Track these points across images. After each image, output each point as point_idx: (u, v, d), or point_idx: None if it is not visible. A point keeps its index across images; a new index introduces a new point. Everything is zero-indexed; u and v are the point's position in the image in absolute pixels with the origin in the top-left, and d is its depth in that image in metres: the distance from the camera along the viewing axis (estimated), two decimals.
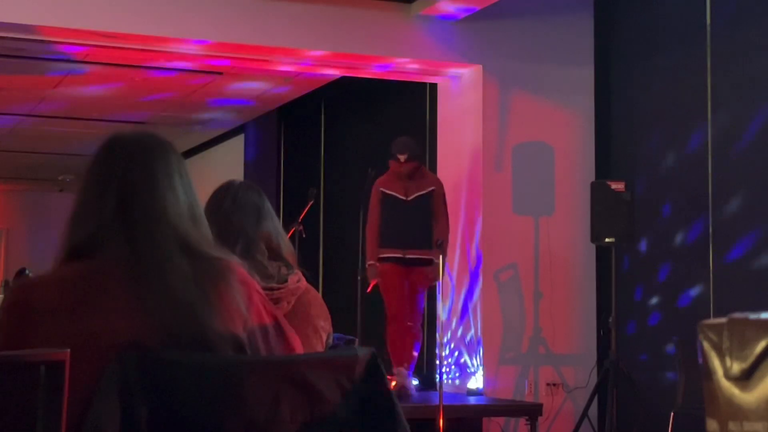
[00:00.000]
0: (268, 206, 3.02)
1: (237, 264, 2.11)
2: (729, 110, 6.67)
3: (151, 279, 1.96)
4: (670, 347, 6.47)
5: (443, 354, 7.50)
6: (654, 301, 7.23)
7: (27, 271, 10.42)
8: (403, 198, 7.17)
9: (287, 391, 1.91)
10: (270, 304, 2.15)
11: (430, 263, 7.01)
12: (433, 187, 7.22)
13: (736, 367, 1.92)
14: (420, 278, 7.14)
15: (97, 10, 6.85)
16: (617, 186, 6.81)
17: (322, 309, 3.03)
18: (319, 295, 3.08)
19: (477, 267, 7.52)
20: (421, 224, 7.15)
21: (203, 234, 2.10)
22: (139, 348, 1.87)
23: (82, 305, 1.93)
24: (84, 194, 2.07)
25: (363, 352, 2.00)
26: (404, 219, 7.15)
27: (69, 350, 1.80)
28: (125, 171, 2.06)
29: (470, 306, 7.57)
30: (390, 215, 7.18)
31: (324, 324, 3.01)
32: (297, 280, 2.94)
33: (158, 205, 2.04)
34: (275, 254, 2.96)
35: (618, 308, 6.80)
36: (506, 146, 7.65)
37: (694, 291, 6.81)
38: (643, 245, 7.28)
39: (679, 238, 7.01)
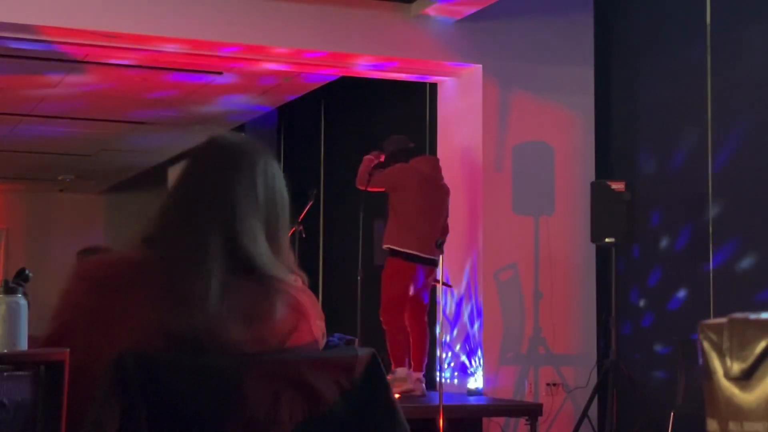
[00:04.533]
0: None
1: (293, 288, 2.12)
2: (728, 110, 6.67)
3: (184, 283, 1.96)
4: (670, 347, 6.46)
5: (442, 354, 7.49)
6: (653, 301, 7.22)
7: (27, 272, 10.40)
8: None
9: (286, 390, 1.91)
10: (319, 341, 2.13)
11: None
12: None
13: (736, 367, 1.92)
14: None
15: (97, 10, 6.85)
16: (617, 186, 6.80)
17: (316, 308, 3.06)
18: (313, 295, 3.10)
19: (477, 267, 7.52)
20: None
21: (277, 251, 2.11)
22: (169, 340, 1.89)
23: (143, 290, 1.95)
24: (168, 194, 2.10)
25: (363, 352, 2.00)
26: None
27: (68, 350, 1.80)
28: (201, 177, 2.08)
29: (470, 306, 7.57)
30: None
31: (320, 323, 3.03)
32: (294, 279, 2.97)
33: (221, 215, 2.03)
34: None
35: (618, 308, 6.80)
36: (506, 146, 7.64)
37: (694, 291, 6.80)
38: (642, 245, 7.27)
39: (679, 238, 7.00)
